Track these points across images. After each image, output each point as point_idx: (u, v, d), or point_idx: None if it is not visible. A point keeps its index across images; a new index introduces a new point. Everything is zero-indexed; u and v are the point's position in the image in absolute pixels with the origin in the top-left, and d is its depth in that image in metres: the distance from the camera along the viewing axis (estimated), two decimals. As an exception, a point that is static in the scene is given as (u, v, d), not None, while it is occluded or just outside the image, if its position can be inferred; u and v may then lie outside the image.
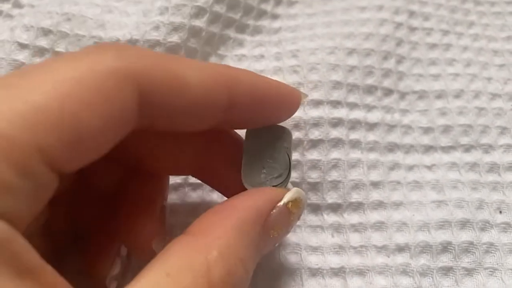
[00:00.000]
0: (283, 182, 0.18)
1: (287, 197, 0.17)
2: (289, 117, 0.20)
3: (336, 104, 0.24)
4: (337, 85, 0.24)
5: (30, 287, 0.11)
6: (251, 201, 0.16)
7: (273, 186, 0.18)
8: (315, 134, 0.23)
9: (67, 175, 0.13)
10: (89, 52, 0.14)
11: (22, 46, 0.23)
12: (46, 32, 0.24)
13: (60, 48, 0.24)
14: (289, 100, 0.19)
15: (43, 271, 0.12)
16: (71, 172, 0.14)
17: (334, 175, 0.23)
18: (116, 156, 0.16)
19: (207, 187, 0.23)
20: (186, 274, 0.13)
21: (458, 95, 0.26)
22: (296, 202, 0.17)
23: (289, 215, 0.17)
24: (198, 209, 0.23)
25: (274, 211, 0.17)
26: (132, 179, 0.19)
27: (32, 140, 0.12)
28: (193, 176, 0.21)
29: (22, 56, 0.23)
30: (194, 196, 0.23)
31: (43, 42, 0.24)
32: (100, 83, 0.13)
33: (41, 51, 0.24)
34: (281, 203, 0.17)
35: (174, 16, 0.25)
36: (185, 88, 0.15)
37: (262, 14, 0.28)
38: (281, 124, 0.19)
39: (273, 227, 0.17)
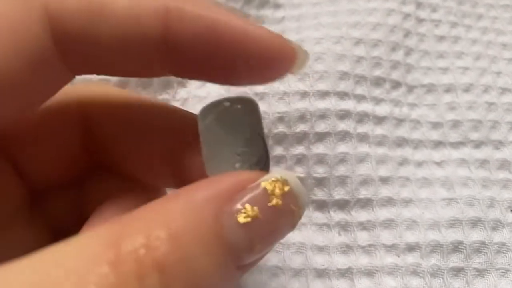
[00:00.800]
0: (264, 167, 0.14)
1: (264, 177, 0.12)
2: (270, 79, 0.14)
3: (343, 95, 0.23)
4: (344, 75, 0.23)
5: None
6: (210, 181, 0.12)
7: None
8: (321, 126, 0.22)
9: None
10: None
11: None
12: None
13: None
14: (270, 52, 0.14)
15: None
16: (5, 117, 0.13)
17: (341, 170, 0.22)
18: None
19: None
20: (85, 243, 0.11)
21: (467, 89, 0.25)
22: (279, 183, 0.12)
23: (269, 200, 0.12)
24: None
25: (242, 192, 0.12)
26: (127, 192, 0.17)
27: None
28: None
29: None
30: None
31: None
32: (2, 12, 0.12)
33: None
34: (254, 183, 0.12)
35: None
36: (107, 15, 0.13)
37: (264, 3, 0.27)
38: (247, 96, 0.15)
39: (239, 210, 0.12)
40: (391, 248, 0.20)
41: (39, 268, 0.10)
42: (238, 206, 0.12)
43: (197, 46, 0.13)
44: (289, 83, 0.23)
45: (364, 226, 0.21)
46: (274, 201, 0.12)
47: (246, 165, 0.14)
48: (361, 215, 0.21)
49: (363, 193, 0.21)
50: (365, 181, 0.22)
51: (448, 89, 0.25)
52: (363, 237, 0.21)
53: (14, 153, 0.15)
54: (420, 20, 0.27)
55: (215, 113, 0.14)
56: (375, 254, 0.20)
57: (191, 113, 0.16)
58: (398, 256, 0.20)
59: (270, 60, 0.14)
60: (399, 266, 0.20)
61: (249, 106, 0.14)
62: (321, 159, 0.22)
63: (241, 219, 0.11)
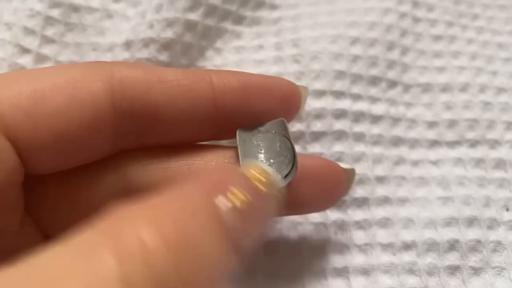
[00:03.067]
0: (292, 169, 0.17)
1: (248, 168, 0.14)
2: (292, 113, 0.18)
3: (339, 94, 0.23)
4: (340, 74, 0.23)
5: None
6: (200, 177, 0.14)
7: (284, 177, 0.16)
8: (317, 126, 0.22)
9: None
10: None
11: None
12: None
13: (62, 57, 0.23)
14: (285, 91, 0.18)
15: None
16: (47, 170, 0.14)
17: (337, 169, 0.22)
18: None
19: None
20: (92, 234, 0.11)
21: (463, 88, 0.25)
22: (262, 173, 0.14)
23: (255, 186, 0.13)
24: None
25: (231, 179, 0.13)
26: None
27: None
28: None
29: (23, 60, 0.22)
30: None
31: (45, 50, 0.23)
32: (71, 73, 0.15)
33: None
34: (240, 174, 0.14)
35: (169, 12, 0.23)
36: (164, 80, 0.15)
37: (260, 4, 0.27)
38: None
39: (230, 195, 0.13)
40: (387, 246, 0.20)
41: (38, 273, 0.10)
42: (229, 193, 0.13)
43: (236, 99, 0.16)
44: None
45: (360, 225, 0.21)
46: (260, 187, 0.13)
47: (280, 170, 0.16)
48: (357, 214, 0.21)
49: (359, 192, 0.21)
50: (361, 180, 0.22)
51: (444, 89, 0.25)
52: (359, 236, 0.21)
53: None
54: (416, 20, 0.27)
55: (250, 129, 0.17)
56: (371, 253, 0.20)
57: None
58: (394, 255, 0.20)
59: (287, 95, 0.18)
60: (395, 265, 0.20)
61: (279, 125, 0.17)
62: (317, 158, 0.22)
63: (234, 200, 0.13)
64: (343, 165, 0.18)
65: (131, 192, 0.16)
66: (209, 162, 0.17)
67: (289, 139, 0.17)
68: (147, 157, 0.17)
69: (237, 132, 0.17)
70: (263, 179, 0.14)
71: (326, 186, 0.18)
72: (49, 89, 0.14)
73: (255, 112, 0.17)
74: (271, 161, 0.17)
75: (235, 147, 0.17)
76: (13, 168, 0.14)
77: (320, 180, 0.17)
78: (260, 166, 0.14)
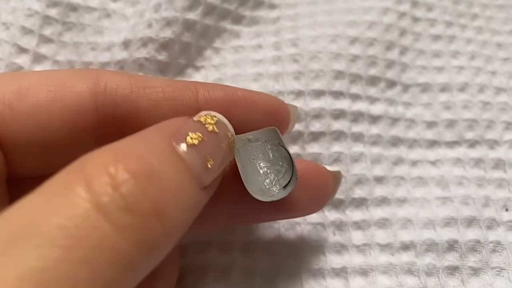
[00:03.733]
0: (292, 177, 0.16)
1: (197, 114, 0.15)
2: (280, 130, 0.18)
3: (338, 95, 0.23)
4: (339, 74, 0.23)
5: None
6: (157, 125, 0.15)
7: (284, 186, 0.16)
8: (316, 126, 0.22)
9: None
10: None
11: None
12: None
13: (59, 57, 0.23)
14: (272, 106, 0.18)
15: None
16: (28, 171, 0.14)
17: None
18: None
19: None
20: (57, 176, 0.12)
21: (462, 88, 0.25)
22: (208, 116, 0.15)
23: (206, 128, 0.15)
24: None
25: (183, 126, 0.15)
26: None
27: None
28: None
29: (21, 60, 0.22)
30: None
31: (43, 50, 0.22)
32: (57, 73, 0.16)
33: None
34: (191, 119, 0.15)
35: (167, 11, 0.23)
36: (148, 86, 0.16)
37: (259, 4, 0.27)
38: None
39: (186, 136, 0.14)
40: (385, 247, 0.20)
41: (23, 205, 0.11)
42: (183, 132, 0.14)
43: (220, 108, 0.16)
44: (284, 82, 0.23)
45: (358, 225, 0.21)
46: (210, 127, 0.15)
47: (277, 178, 0.16)
48: (356, 215, 0.21)
49: (358, 192, 0.21)
50: (360, 181, 0.22)
51: (443, 89, 0.25)
52: (357, 236, 0.21)
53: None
54: (415, 19, 0.27)
55: (241, 142, 0.17)
56: (369, 253, 0.20)
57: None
58: (393, 255, 0.20)
59: (273, 111, 0.18)
60: (394, 265, 0.20)
61: (269, 134, 0.17)
62: (315, 159, 0.22)
63: (189, 140, 0.14)
64: (330, 168, 0.19)
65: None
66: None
67: (285, 148, 0.17)
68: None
69: None
70: (212, 121, 0.15)
71: (313, 190, 0.18)
72: (34, 86, 0.15)
73: (239, 125, 0.17)
74: (266, 170, 0.17)
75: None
76: None
77: (307, 184, 0.17)
78: (208, 111, 0.16)
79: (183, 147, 0.14)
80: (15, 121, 0.14)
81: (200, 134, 0.14)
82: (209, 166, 0.14)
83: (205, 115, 0.15)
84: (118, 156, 0.12)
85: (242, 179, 0.16)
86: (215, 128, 0.15)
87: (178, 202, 0.13)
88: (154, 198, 0.12)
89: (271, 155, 0.17)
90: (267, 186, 0.16)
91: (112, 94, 0.16)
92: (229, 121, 0.16)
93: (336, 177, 0.19)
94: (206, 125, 0.15)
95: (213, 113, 0.16)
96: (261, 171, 0.17)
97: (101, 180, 0.11)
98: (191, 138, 0.14)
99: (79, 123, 0.15)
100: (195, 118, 0.15)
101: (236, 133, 0.17)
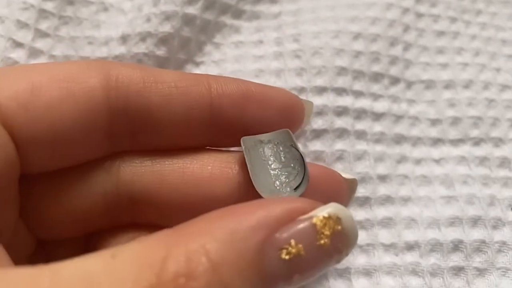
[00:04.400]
0: (304, 179, 0.16)
1: (317, 211, 0.12)
2: (292, 127, 0.17)
3: (341, 91, 0.22)
4: (342, 71, 0.23)
5: None
6: (259, 207, 0.12)
7: (294, 188, 0.16)
8: (318, 123, 0.22)
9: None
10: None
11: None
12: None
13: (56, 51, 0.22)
14: (286, 103, 0.17)
15: None
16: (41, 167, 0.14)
17: (338, 167, 0.21)
18: None
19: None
20: (132, 259, 0.11)
21: (467, 85, 0.24)
22: (331, 221, 0.12)
23: (316, 239, 0.12)
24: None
25: (290, 224, 0.12)
26: None
27: None
28: None
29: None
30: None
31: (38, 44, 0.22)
32: (68, 68, 0.15)
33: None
34: (305, 216, 0.12)
35: (166, 5, 0.23)
36: (161, 81, 0.15)
37: (259, -2, 0.26)
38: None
39: (283, 245, 0.11)
40: (389, 247, 0.20)
41: (88, 277, 0.10)
42: (283, 239, 0.11)
43: (233, 106, 0.16)
44: (286, 78, 0.23)
45: (362, 225, 0.21)
46: (322, 241, 0.12)
47: (289, 179, 0.16)
48: (359, 214, 0.21)
49: (361, 191, 0.21)
50: (363, 179, 0.21)
51: (448, 85, 0.24)
52: (361, 236, 0.20)
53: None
54: (419, 15, 0.26)
55: (253, 144, 0.16)
56: (373, 254, 0.20)
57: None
58: (397, 255, 0.20)
59: (287, 107, 0.17)
60: (398, 266, 0.20)
61: (282, 136, 0.17)
62: (318, 157, 0.21)
63: (283, 255, 0.11)
64: (345, 174, 0.17)
65: (122, 193, 0.16)
66: (204, 166, 0.16)
67: (297, 150, 0.16)
68: (141, 159, 0.16)
69: (242, 140, 0.16)
70: (329, 232, 0.12)
71: (325, 196, 0.15)
72: (46, 83, 0.14)
73: (253, 120, 0.17)
74: (277, 172, 0.16)
75: (231, 151, 0.17)
76: (12, 159, 0.14)
77: (319, 190, 0.16)
78: (337, 210, 0.12)
79: (273, 257, 0.11)
80: (29, 121, 0.14)
81: (302, 248, 0.11)
82: (293, 281, 0.12)
83: (328, 218, 0.12)
84: (193, 259, 0.11)
85: (252, 180, 0.16)
86: (327, 241, 0.12)
87: None
88: None
89: (283, 157, 0.16)
90: (278, 188, 0.16)
91: (124, 89, 0.15)
92: (242, 117, 0.16)
93: (351, 185, 0.18)
94: (318, 236, 0.12)
95: (341, 212, 0.12)
96: (272, 173, 0.16)
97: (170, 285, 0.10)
98: (288, 252, 0.11)
99: (91, 120, 0.15)
100: (314, 218, 0.12)
101: (249, 129, 0.16)
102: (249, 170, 0.16)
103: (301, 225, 0.12)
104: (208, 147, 0.17)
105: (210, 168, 0.16)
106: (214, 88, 0.16)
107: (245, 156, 0.16)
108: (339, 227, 0.12)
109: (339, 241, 0.12)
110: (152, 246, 0.11)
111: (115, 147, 0.16)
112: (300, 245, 0.11)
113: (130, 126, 0.16)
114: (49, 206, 0.16)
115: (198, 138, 0.17)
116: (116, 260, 0.11)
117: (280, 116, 0.17)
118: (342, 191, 0.17)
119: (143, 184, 0.16)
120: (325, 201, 0.14)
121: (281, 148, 0.17)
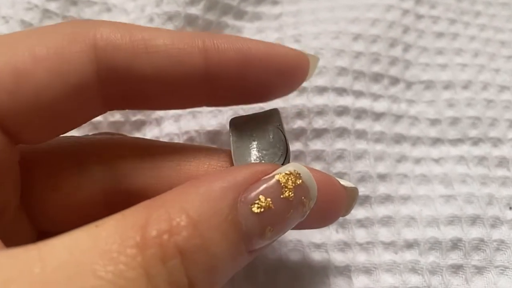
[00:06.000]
0: (285, 162, 0.16)
1: (279, 170, 0.13)
2: (296, 86, 0.17)
3: (341, 91, 0.23)
4: (342, 71, 0.23)
5: None
6: (228, 172, 0.13)
7: None
8: (319, 123, 0.22)
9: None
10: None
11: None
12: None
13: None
14: (290, 63, 0.16)
15: None
16: (35, 139, 0.14)
17: (339, 166, 0.21)
18: None
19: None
20: (116, 225, 0.11)
21: (466, 86, 0.25)
22: (292, 177, 0.13)
23: (282, 193, 0.13)
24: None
25: (257, 183, 0.13)
26: None
27: None
28: None
29: None
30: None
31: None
32: (53, 43, 0.14)
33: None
34: (269, 175, 0.13)
35: (169, 5, 0.23)
36: (152, 50, 0.15)
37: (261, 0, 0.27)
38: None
39: (254, 201, 0.13)
40: (389, 245, 0.20)
41: (75, 248, 0.11)
42: (253, 196, 0.13)
43: (232, 73, 0.15)
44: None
45: (362, 223, 0.21)
46: (286, 194, 0.13)
47: (268, 162, 0.16)
48: (359, 213, 0.21)
49: (361, 190, 0.21)
50: (363, 178, 0.21)
51: (447, 86, 0.25)
52: (361, 234, 0.21)
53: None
54: (419, 17, 0.26)
55: (243, 118, 0.17)
56: (373, 252, 0.20)
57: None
58: (397, 253, 0.20)
59: (292, 68, 0.16)
60: (398, 263, 0.20)
61: (272, 113, 0.17)
62: (318, 156, 0.22)
63: (255, 209, 0.13)
64: (344, 182, 0.17)
65: (121, 189, 0.16)
66: (201, 164, 0.16)
67: (282, 131, 0.16)
68: (139, 155, 0.16)
69: (230, 121, 0.17)
70: (292, 185, 0.13)
71: (322, 204, 0.15)
72: (31, 64, 0.13)
73: (252, 86, 0.16)
74: (264, 152, 0.16)
75: (229, 150, 0.17)
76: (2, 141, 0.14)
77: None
78: (297, 167, 0.14)
79: (246, 212, 0.13)
80: (18, 106, 0.13)
81: (271, 201, 0.13)
82: (266, 235, 0.13)
83: (289, 174, 0.13)
84: (174, 219, 0.12)
85: (233, 159, 0.16)
86: (291, 194, 0.13)
87: (219, 271, 0.12)
88: (193, 274, 0.12)
89: (271, 137, 0.16)
90: None
91: (114, 61, 0.14)
92: (240, 83, 0.15)
93: (350, 194, 0.17)
94: (283, 189, 0.13)
95: (300, 169, 0.14)
96: (258, 153, 0.16)
97: (153, 247, 0.11)
98: (259, 206, 0.13)
99: (82, 94, 0.14)
100: (277, 176, 0.13)
101: (252, 95, 0.16)
102: (232, 150, 0.16)
103: (267, 183, 0.13)
104: (206, 147, 0.18)
105: (207, 166, 0.16)
106: (210, 53, 0.15)
107: (231, 137, 0.16)
108: (300, 181, 0.14)
109: (301, 194, 0.14)
110: (133, 213, 0.12)
111: (109, 108, 0.16)
112: (269, 199, 0.13)
113: (123, 92, 0.15)
114: (49, 197, 0.16)
115: (193, 100, 0.16)
116: (100, 228, 0.11)
117: (283, 78, 0.16)
118: (340, 199, 0.16)
119: (140, 180, 0.16)
120: (320, 207, 0.15)
121: (270, 128, 0.17)
